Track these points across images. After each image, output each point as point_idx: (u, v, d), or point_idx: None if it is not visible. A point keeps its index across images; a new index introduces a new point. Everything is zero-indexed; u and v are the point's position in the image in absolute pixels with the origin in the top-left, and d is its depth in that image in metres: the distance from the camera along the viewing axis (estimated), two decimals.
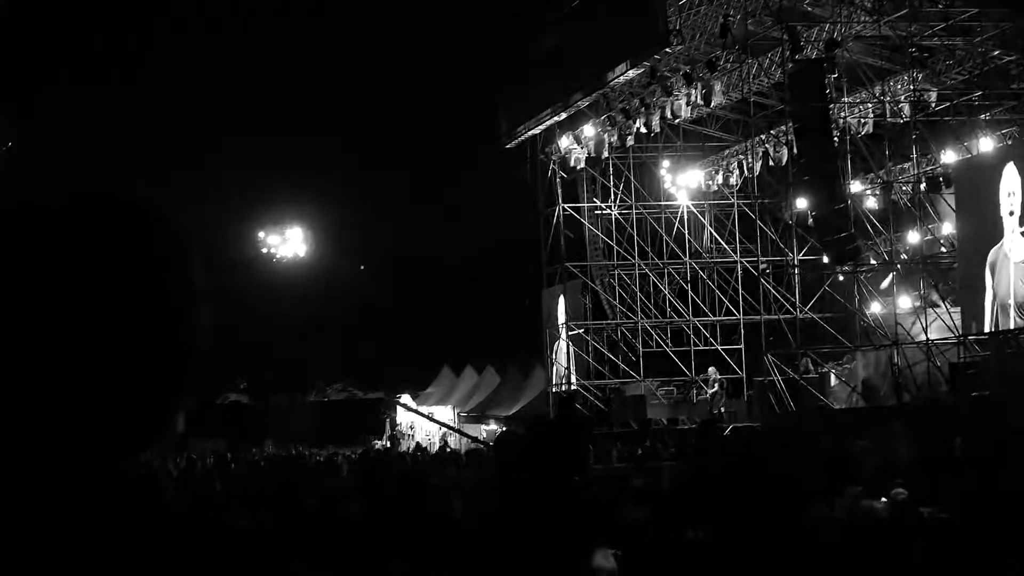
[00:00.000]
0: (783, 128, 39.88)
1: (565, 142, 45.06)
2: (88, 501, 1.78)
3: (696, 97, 40.01)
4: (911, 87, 37.10)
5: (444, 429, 49.81)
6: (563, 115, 43.14)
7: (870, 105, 39.47)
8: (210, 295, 1.89)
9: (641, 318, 45.42)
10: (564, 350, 45.44)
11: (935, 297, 36.74)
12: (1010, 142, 36.94)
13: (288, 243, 68.85)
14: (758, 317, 41.15)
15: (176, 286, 1.85)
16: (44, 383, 1.75)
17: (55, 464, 1.78)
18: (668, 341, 45.15)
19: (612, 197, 46.36)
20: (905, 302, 37.89)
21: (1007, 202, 31.64)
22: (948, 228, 39.11)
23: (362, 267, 74.04)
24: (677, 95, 40.35)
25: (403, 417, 57.13)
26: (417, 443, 47.64)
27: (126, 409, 1.80)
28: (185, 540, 1.80)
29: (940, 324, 34.40)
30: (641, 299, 45.83)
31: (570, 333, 45.54)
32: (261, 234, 69.00)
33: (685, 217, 46.44)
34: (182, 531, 1.81)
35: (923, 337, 34.10)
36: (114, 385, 1.78)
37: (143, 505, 1.82)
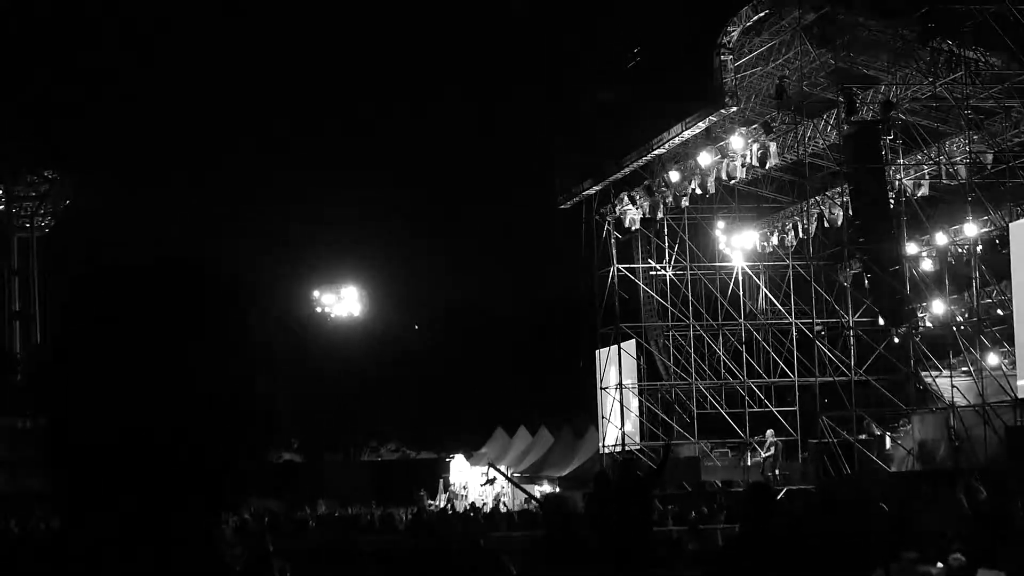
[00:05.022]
0: (838, 189, 39.81)
1: (620, 203, 45.10)
2: (153, 556, 1.81)
3: (751, 158, 40.05)
4: (967, 149, 36.95)
5: (497, 489, 49.71)
6: (618, 175, 43.19)
7: (926, 167, 39.36)
8: (274, 366, 1.91)
9: (696, 379, 45.26)
10: (618, 411, 45.28)
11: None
12: None
13: (343, 302, 69.13)
14: (813, 379, 40.94)
15: (242, 354, 1.88)
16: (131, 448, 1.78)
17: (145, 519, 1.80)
18: (723, 403, 44.95)
19: (667, 258, 46.29)
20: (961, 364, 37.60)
21: None
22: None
23: (416, 327, 74.21)
24: (732, 156, 40.40)
25: (456, 477, 57.09)
26: (471, 503, 47.56)
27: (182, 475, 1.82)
28: None
29: (997, 387, 34.11)
30: (696, 360, 45.68)
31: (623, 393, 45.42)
32: (316, 293, 69.34)
33: (740, 278, 46.29)
34: None
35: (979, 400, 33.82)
36: (173, 451, 1.80)
37: (201, 562, 1.85)
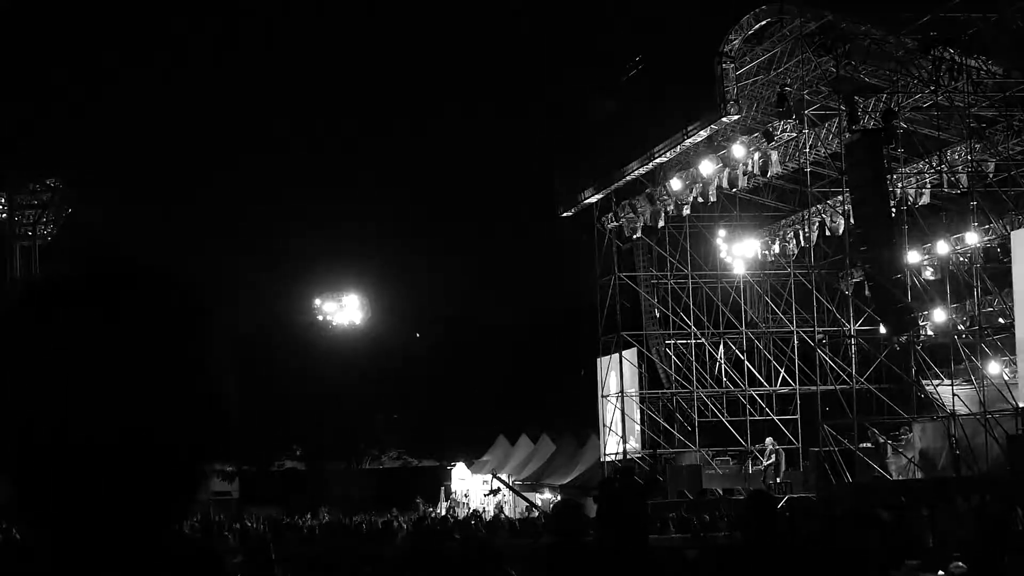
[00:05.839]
0: (840, 198, 39.80)
1: (621, 211, 45.09)
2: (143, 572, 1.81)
3: (753, 166, 40.03)
4: (969, 157, 36.94)
5: (498, 497, 49.68)
6: (620, 184, 43.18)
7: (927, 175, 39.35)
8: (231, 367, 1.90)
9: (697, 388, 45.21)
10: (619, 419, 45.27)
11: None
12: None
13: (344, 310, 69.07)
14: (814, 388, 40.91)
15: (191, 358, 1.87)
16: (71, 456, 1.78)
17: (98, 538, 1.80)
18: (724, 411, 44.92)
19: (668, 266, 46.27)
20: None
21: None
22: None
23: (417, 335, 74.15)
24: (734, 164, 40.39)
25: (457, 485, 57.09)
26: (473, 511, 47.56)
27: (148, 481, 1.81)
28: None
29: (998, 395, 34.11)
30: (697, 369, 45.65)
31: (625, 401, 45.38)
32: (317, 301, 69.28)
33: (741, 286, 46.29)
34: None
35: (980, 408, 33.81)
36: (134, 457, 1.80)
37: (201, 572, 1.85)
